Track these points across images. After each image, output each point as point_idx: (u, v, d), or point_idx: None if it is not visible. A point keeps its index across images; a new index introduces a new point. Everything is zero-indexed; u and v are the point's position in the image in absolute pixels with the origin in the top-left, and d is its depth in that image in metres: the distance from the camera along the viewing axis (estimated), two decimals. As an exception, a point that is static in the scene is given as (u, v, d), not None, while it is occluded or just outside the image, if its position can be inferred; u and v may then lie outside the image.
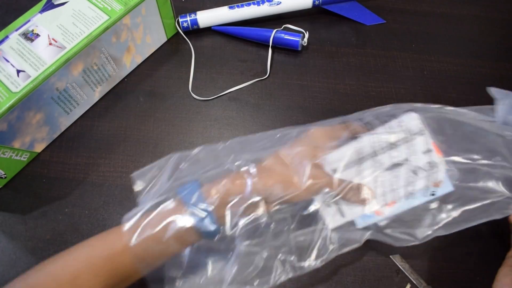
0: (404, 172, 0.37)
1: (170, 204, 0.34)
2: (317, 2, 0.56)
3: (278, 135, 0.40)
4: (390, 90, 0.53)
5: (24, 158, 0.47)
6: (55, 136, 0.49)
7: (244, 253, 0.36)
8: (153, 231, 0.33)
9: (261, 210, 0.35)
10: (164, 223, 0.33)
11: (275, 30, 0.54)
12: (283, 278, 0.38)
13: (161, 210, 0.34)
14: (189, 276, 0.37)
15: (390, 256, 0.42)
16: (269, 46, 0.55)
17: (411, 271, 0.42)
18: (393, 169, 0.37)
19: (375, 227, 0.38)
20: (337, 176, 0.37)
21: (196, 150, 0.40)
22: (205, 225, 0.33)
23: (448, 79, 0.54)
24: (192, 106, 0.52)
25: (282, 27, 0.55)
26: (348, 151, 0.37)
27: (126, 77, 0.54)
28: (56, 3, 0.47)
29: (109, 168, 0.47)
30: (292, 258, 0.38)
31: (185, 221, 0.33)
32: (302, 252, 0.38)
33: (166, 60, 0.55)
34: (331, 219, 0.38)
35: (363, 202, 0.37)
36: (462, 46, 0.57)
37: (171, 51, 0.56)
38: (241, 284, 0.36)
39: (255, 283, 0.37)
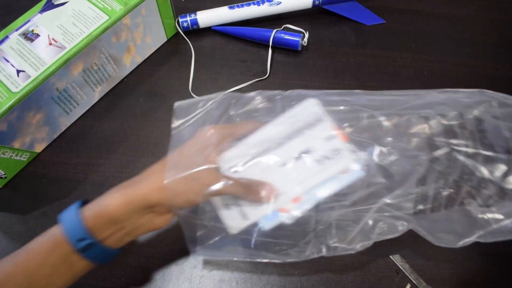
0: (308, 163, 0.34)
1: (52, 234, 0.32)
2: (317, 2, 0.56)
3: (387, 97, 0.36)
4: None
5: (24, 158, 0.47)
6: (55, 136, 0.49)
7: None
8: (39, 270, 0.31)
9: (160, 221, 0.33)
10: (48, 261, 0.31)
11: (275, 30, 0.54)
12: (315, 255, 0.35)
13: (44, 242, 0.32)
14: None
15: (390, 256, 0.42)
16: (269, 46, 0.55)
17: (411, 271, 0.42)
18: (296, 161, 0.34)
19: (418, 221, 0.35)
20: (236, 175, 0.33)
21: (251, 94, 0.37)
22: (93, 255, 0.32)
23: (448, 79, 0.54)
24: (192, 106, 0.52)
25: (282, 27, 0.55)
26: (246, 146, 0.34)
27: (126, 77, 0.54)
28: (56, 3, 0.47)
29: (109, 168, 0.47)
30: (329, 237, 0.35)
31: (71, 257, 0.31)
32: (340, 232, 0.35)
33: (166, 60, 0.55)
34: (232, 222, 0.34)
35: (264, 200, 0.33)
36: (462, 46, 0.57)
37: (171, 51, 0.56)
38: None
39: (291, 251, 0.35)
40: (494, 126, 0.36)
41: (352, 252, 0.35)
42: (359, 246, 0.35)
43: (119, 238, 0.32)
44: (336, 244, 0.35)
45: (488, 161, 0.35)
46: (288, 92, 0.37)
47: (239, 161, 0.34)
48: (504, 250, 0.41)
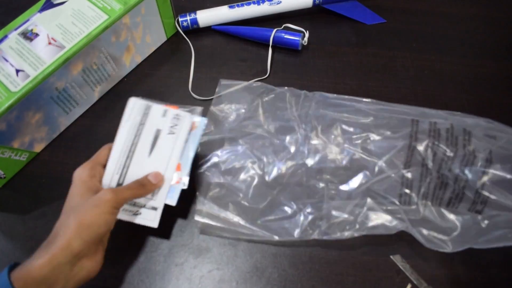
0: (165, 140, 0.41)
1: None
2: (317, 2, 0.56)
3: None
4: (390, 90, 0.53)
5: (23, 158, 0.46)
6: (55, 136, 0.49)
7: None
8: None
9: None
10: None
11: (275, 30, 0.54)
12: (309, 236, 0.41)
13: None
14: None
15: (391, 256, 0.42)
16: (269, 45, 0.54)
17: (411, 271, 0.41)
18: (156, 145, 0.40)
19: (411, 222, 0.40)
20: (122, 185, 0.39)
21: (280, 89, 0.49)
22: None
23: (448, 79, 0.54)
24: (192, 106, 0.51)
25: (282, 27, 0.55)
26: (113, 162, 0.40)
27: (125, 76, 0.53)
28: (55, 2, 0.47)
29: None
30: (322, 223, 0.42)
31: None
32: (331, 219, 0.42)
33: (166, 60, 0.55)
34: (150, 219, 0.40)
35: (156, 186, 0.39)
36: (462, 46, 0.57)
37: (171, 50, 0.56)
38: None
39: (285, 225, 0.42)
40: (481, 138, 0.40)
41: (342, 238, 0.41)
42: (347, 234, 0.41)
43: None
44: (327, 230, 0.41)
45: (467, 165, 0.39)
46: (311, 94, 0.48)
47: (117, 175, 0.40)
48: (506, 251, 0.41)
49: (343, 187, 0.42)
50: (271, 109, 0.48)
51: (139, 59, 0.54)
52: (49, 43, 0.44)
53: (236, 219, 0.43)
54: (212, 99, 0.52)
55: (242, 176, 0.44)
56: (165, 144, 0.40)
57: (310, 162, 0.43)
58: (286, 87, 0.49)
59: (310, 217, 0.42)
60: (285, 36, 0.54)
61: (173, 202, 0.40)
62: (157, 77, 0.54)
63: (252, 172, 0.44)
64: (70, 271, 0.33)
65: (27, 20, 0.46)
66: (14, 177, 0.47)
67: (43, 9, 0.47)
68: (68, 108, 0.48)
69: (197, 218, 0.43)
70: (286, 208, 0.43)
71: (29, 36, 0.45)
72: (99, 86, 0.50)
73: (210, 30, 0.57)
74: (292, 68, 0.54)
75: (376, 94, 0.52)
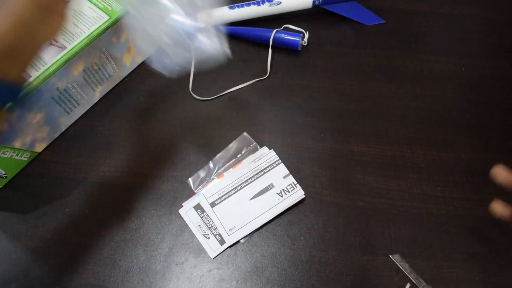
0: (272, 196, 0.45)
1: None
2: (317, 2, 0.57)
3: None
4: (390, 90, 0.53)
5: (24, 158, 0.47)
6: (56, 136, 0.49)
7: None
8: None
9: None
10: None
11: (275, 30, 0.54)
12: None
13: None
14: None
15: (390, 256, 0.42)
16: (269, 46, 0.55)
17: (410, 271, 0.42)
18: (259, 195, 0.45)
19: None
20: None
21: None
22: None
23: (448, 79, 0.54)
24: (192, 106, 0.52)
25: (282, 27, 0.55)
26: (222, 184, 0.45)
27: (126, 77, 0.54)
28: (56, 3, 0.47)
29: (109, 168, 0.47)
30: None
31: None
32: None
33: (167, 60, 0.55)
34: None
35: None
36: (462, 46, 0.57)
37: (172, 51, 0.56)
38: None
39: None
40: None
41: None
42: None
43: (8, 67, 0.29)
44: None
45: None
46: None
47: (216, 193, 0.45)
48: (506, 250, 0.41)
49: None
50: None
51: (140, 60, 0.54)
52: (50, 44, 0.44)
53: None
54: (211, 99, 0.52)
55: None
56: (269, 198, 0.45)
57: None
58: None
59: None
60: (285, 37, 0.54)
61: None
62: (157, 77, 0.53)
63: None
64: (37, 31, 0.29)
65: (29, 21, 0.46)
66: (15, 176, 0.47)
67: (45, 10, 0.47)
68: (69, 108, 0.48)
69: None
70: None
71: (30, 36, 0.45)
72: (100, 86, 0.51)
73: (210, 30, 0.57)
74: (292, 69, 0.54)
75: (375, 94, 0.53)
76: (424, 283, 0.41)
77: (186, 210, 0.45)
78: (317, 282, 0.41)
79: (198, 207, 0.45)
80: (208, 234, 0.43)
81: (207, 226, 0.44)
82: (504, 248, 0.43)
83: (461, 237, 0.44)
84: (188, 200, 0.45)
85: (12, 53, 0.28)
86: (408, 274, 0.41)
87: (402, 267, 0.42)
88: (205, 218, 0.44)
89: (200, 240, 0.43)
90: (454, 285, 0.41)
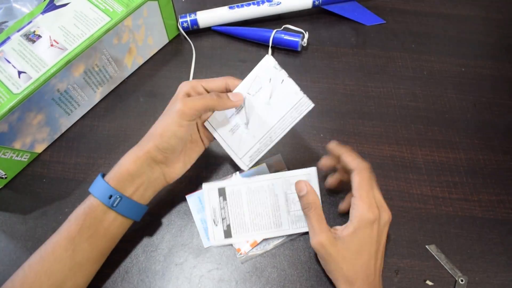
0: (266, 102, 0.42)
1: (86, 202, 0.37)
2: (317, 2, 0.57)
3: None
4: (390, 90, 0.53)
5: (24, 158, 0.47)
6: (56, 136, 0.49)
7: None
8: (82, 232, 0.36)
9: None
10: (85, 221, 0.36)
11: (275, 31, 0.54)
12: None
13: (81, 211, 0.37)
14: None
15: (426, 246, 0.43)
16: (269, 46, 0.55)
17: (446, 261, 0.42)
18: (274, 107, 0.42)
19: None
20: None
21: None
22: (124, 209, 0.37)
23: (448, 79, 0.54)
24: (192, 107, 0.52)
25: (282, 28, 0.55)
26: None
27: (127, 77, 0.54)
28: (58, 4, 0.47)
29: (109, 168, 0.47)
30: None
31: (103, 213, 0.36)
32: None
33: (167, 60, 0.55)
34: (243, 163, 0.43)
35: (233, 104, 0.40)
36: (462, 46, 0.57)
37: (172, 51, 0.56)
38: None
39: None
40: None
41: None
42: None
43: (141, 193, 0.38)
44: None
45: None
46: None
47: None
48: None
49: None
50: None
51: (141, 61, 0.54)
52: (51, 45, 0.44)
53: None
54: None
55: None
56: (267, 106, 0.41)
57: None
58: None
59: None
60: (284, 37, 0.54)
61: (246, 167, 0.42)
62: (158, 78, 0.54)
63: None
64: (151, 172, 0.38)
65: (30, 22, 0.46)
66: (16, 177, 0.47)
67: (46, 10, 0.47)
68: (70, 110, 0.49)
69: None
70: None
71: (31, 37, 0.45)
72: (100, 88, 0.51)
73: (210, 30, 0.57)
74: (291, 69, 0.54)
75: (375, 94, 0.53)
76: (459, 274, 0.41)
77: (210, 188, 0.44)
78: (316, 283, 0.41)
79: (222, 193, 0.44)
80: (218, 221, 0.43)
81: (220, 213, 0.43)
82: (504, 248, 0.43)
83: (460, 237, 0.44)
84: (215, 181, 0.45)
85: (133, 178, 0.37)
86: (444, 264, 0.41)
87: (438, 257, 0.42)
88: (223, 205, 0.44)
89: (207, 224, 0.43)
90: (489, 275, 0.42)
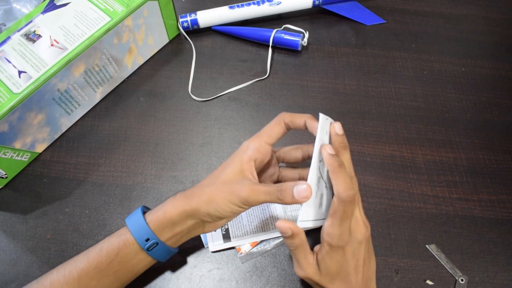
0: None
1: (121, 235, 0.36)
2: (317, 2, 0.57)
3: None
4: (390, 90, 0.53)
5: (25, 158, 0.47)
6: (56, 136, 0.49)
7: None
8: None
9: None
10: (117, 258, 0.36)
11: (275, 30, 0.54)
12: None
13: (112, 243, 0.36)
14: None
15: (426, 246, 0.43)
16: (269, 46, 0.55)
17: (446, 261, 0.42)
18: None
19: None
20: (264, 186, 0.35)
21: None
22: (157, 253, 0.36)
23: (448, 79, 0.54)
24: (192, 106, 0.52)
25: (282, 27, 0.56)
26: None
27: (127, 77, 0.54)
28: (58, 4, 0.47)
29: (110, 168, 0.48)
30: None
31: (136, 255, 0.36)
32: None
33: (167, 60, 0.55)
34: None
35: (295, 202, 0.34)
36: (462, 46, 0.57)
37: (172, 51, 0.56)
38: None
39: None
40: None
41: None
42: None
43: (177, 239, 0.37)
44: None
45: None
46: None
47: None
48: None
49: None
50: None
51: (141, 61, 0.54)
52: (52, 45, 0.44)
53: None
54: (211, 99, 0.52)
55: None
56: None
57: None
58: None
59: None
60: (285, 37, 0.54)
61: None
62: (158, 78, 0.54)
63: None
64: (192, 225, 0.36)
65: (30, 22, 0.46)
66: (16, 177, 0.47)
67: (46, 10, 0.47)
68: (70, 109, 0.49)
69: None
70: None
71: (31, 37, 0.45)
72: (100, 88, 0.51)
73: (210, 30, 0.57)
74: (292, 69, 0.55)
75: (375, 94, 0.53)
76: (459, 273, 0.41)
77: None
78: (317, 282, 0.41)
79: None
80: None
81: None
82: (504, 248, 0.43)
83: (460, 237, 0.44)
84: None
85: (174, 227, 0.36)
86: (444, 264, 0.41)
87: (438, 257, 0.42)
88: None
89: None
90: (489, 275, 0.42)
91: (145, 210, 0.38)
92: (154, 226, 0.35)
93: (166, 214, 0.35)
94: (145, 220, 0.35)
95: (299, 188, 0.33)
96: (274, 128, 0.37)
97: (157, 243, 0.35)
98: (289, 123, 0.37)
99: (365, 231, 0.35)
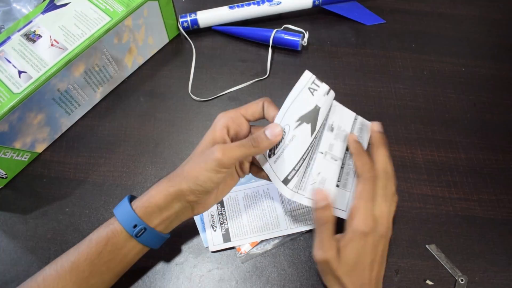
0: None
1: (109, 225, 0.36)
2: (317, 2, 0.57)
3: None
4: (390, 90, 0.53)
5: (25, 158, 0.47)
6: (56, 136, 0.50)
7: None
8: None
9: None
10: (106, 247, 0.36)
11: (275, 30, 0.54)
12: None
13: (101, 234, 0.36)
14: None
15: (426, 246, 0.43)
16: (269, 46, 0.55)
17: (446, 261, 0.42)
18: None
19: None
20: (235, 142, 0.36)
21: None
22: (146, 239, 0.36)
23: (448, 79, 0.54)
24: (192, 106, 0.52)
25: (282, 27, 0.56)
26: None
27: (127, 77, 0.54)
28: (58, 4, 0.47)
29: (110, 168, 0.48)
30: None
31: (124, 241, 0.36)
32: None
33: (167, 60, 0.55)
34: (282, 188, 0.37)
35: (272, 143, 0.35)
36: (462, 46, 0.57)
37: (172, 51, 0.56)
38: None
39: None
40: None
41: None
42: None
43: (167, 225, 0.37)
44: None
45: None
46: None
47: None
48: None
49: None
50: None
51: (141, 61, 0.54)
52: (52, 45, 0.44)
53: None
54: (211, 99, 0.52)
55: None
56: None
57: None
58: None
59: None
60: (285, 37, 0.54)
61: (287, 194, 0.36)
62: (158, 77, 0.54)
63: None
64: (180, 208, 0.36)
65: (30, 22, 0.46)
66: (16, 177, 0.47)
67: (46, 10, 0.47)
68: (70, 109, 0.49)
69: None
70: None
71: (32, 37, 0.45)
72: (100, 88, 0.51)
73: (210, 30, 0.57)
74: (292, 69, 0.55)
75: (375, 94, 0.53)
76: (459, 273, 0.41)
77: None
78: (317, 282, 0.41)
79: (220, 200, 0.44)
80: (216, 227, 0.43)
81: (218, 219, 0.44)
82: (504, 248, 0.43)
83: (460, 237, 0.44)
84: None
85: (161, 211, 0.36)
86: (444, 264, 0.41)
87: (438, 257, 0.42)
88: (221, 212, 0.44)
89: (206, 231, 0.43)
90: (488, 275, 0.42)
91: (132, 198, 0.38)
92: (140, 212, 0.35)
93: (151, 199, 0.36)
94: (131, 207, 0.36)
95: (270, 129, 0.34)
96: (252, 105, 0.38)
97: (145, 229, 0.35)
98: (265, 107, 0.37)
99: (388, 228, 0.36)
